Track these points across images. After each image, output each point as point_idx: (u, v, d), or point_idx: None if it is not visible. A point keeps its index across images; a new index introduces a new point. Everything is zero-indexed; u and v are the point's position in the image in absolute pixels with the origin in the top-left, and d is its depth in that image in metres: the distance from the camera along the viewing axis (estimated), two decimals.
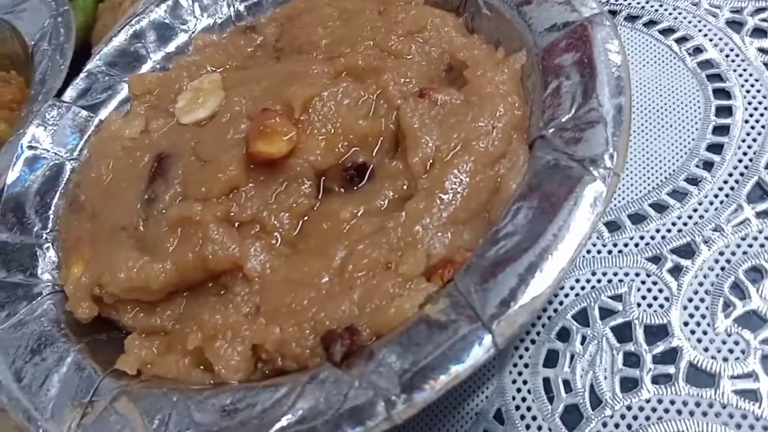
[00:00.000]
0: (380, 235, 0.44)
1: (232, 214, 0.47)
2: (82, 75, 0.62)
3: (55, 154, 0.59)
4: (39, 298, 0.51)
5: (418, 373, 0.37)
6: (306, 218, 0.47)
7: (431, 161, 0.46)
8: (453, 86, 0.51)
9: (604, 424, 0.47)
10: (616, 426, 0.47)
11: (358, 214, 0.46)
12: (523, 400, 0.50)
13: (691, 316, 0.49)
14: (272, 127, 0.47)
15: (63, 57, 0.65)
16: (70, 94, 0.61)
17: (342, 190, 0.48)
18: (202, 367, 0.45)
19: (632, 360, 0.49)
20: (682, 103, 0.60)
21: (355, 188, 0.48)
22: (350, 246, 0.44)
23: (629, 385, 0.48)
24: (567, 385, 0.49)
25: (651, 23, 0.66)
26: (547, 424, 0.48)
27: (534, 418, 0.49)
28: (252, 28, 0.62)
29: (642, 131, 0.59)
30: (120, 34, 0.64)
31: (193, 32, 0.65)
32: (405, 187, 0.46)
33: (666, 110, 0.60)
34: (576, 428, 0.47)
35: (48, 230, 0.55)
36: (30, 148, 0.58)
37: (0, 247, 0.54)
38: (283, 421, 0.38)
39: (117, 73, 0.63)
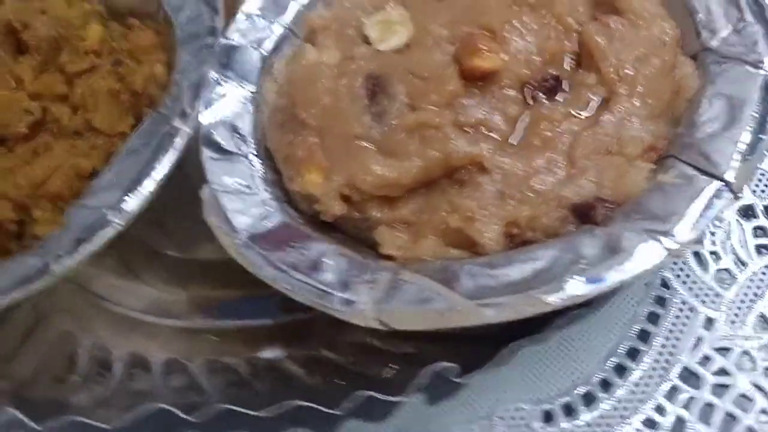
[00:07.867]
0: (597, 127, 0.54)
1: (461, 119, 0.55)
2: (241, 17, 0.67)
3: (239, 86, 0.64)
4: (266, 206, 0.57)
5: (676, 218, 0.48)
6: (522, 121, 0.56)
7: (621, 71, 0.56)
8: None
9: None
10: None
11: (569, 115, 0.55)
12: (681, 270, 0.62)
13: None
14: (486, 46, 0.56)
15: None
16: (233, 34, 0.66)
17: (545, 99, 0.57)
18: (454, 248, 0.53)
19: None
20: None
21: (558, 96, 0.57)
22: (572, 138, 0.54)
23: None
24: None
25: None
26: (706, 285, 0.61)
27: (694, 282, 0.61)
28: None
29: None
30: None
31: None
32: (602, 93, 0.56)
33: None
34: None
35: (250, 149, 0.61)
36: (216, 82, 0.63)
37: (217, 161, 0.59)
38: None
39: (268, 15, 0.68)
